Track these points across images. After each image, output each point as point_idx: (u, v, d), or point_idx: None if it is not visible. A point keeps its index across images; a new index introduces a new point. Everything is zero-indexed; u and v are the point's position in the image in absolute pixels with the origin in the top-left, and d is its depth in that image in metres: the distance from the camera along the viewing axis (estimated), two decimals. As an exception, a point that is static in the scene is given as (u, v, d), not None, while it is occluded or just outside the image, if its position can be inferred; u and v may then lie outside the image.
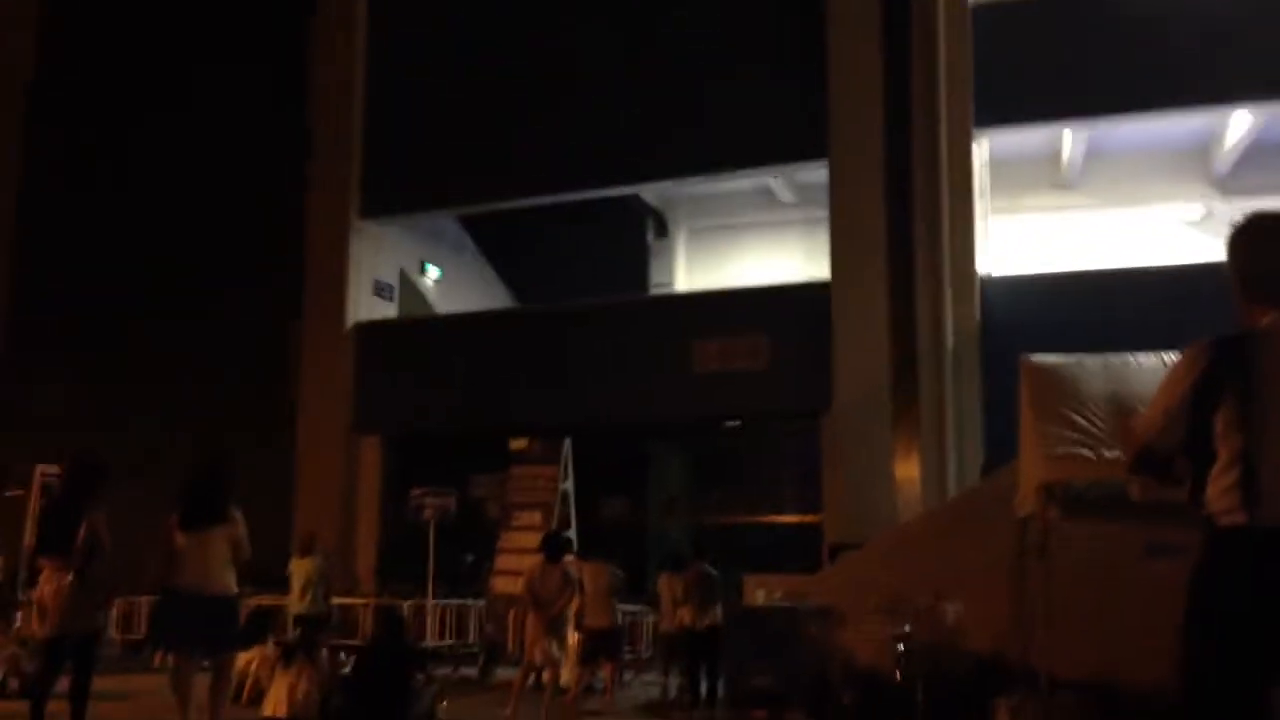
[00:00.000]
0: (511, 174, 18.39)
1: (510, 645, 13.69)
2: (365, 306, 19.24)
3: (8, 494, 16.48)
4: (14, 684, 10.83)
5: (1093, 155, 17.14)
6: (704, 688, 11.23)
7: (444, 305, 20.57)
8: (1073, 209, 17.77)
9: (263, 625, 11.51)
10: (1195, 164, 17.30)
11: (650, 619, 13.67)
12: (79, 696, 7.69)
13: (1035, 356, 8.33)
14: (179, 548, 7.82)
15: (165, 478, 11.02)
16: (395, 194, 19.31)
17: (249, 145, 19.48)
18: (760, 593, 11.98)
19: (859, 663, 10.00)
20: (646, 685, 12.33)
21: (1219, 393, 3.03)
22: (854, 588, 10.41)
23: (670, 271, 20.78)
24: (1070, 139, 16.65)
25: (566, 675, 11.13)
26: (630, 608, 13.39)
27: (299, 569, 14.10)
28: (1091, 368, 8.00)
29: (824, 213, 16.40)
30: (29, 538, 14.14)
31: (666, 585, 11.89)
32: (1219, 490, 2.99)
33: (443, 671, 12.25)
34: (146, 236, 19.99)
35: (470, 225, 21.09)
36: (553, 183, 18.25)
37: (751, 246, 20.32)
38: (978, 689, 8.58)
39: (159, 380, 19.15)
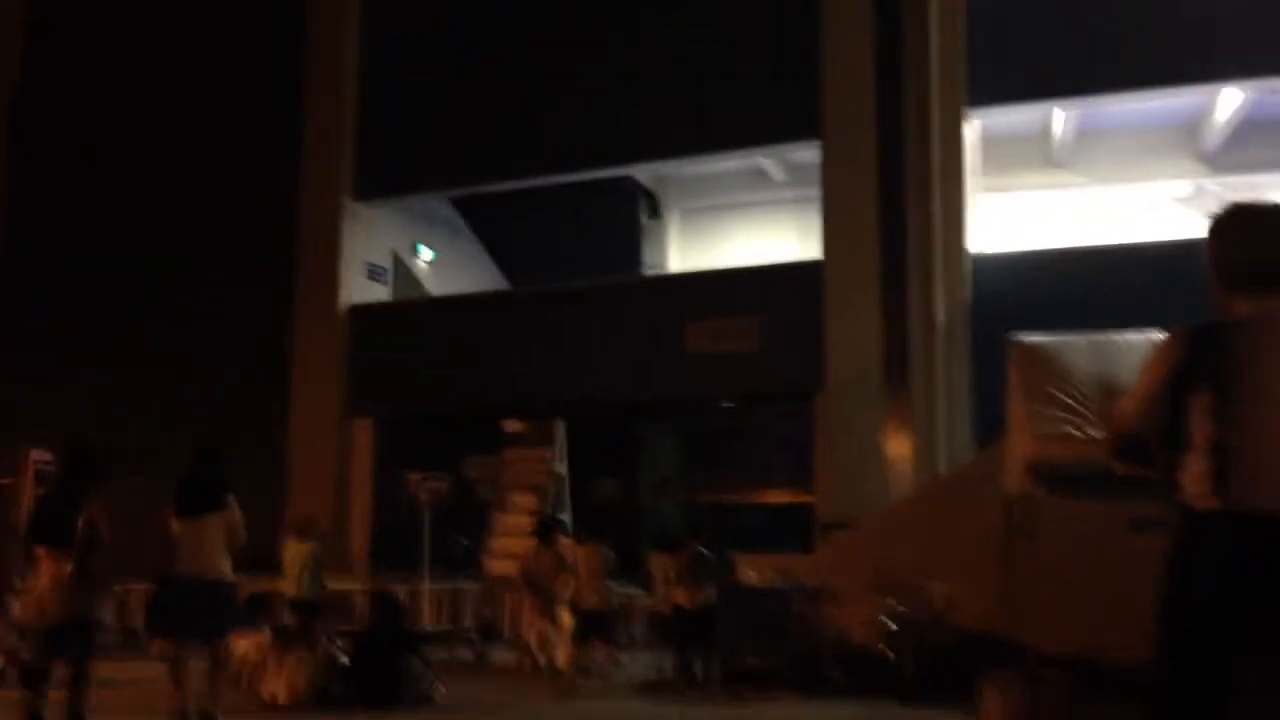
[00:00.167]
0: (504, 155, 18.39)
1: (505, 628, 13.75)
2: (358, 289, 19.26)
3: (1, 482, 16.48)
4: (12, 673, 10.88)
5: (1083, 133, 17.18)
6: (697, 667, 11.30)
7: (437, 287, 20.58)
8: (1063, 187, 17.82)
9: (259, 611, 11.56)
10: (1185, 141, 17.34)
11: (644, 600, 13.73)
12: (77, 685, 7.75)
13: (1024, 336, 8.40)
14: (174, 535, 7.89)
15: (157, 463, 11.09)
16: (388, 176, 19.29)
17: (240, 129, 19.45)
18: (752, 572, 12.06)
19: (850, 640, 10.11)
20: (641, 665, 12.39)
21: (1195, 381, 3.07)
22: (845, 567, 10.52)
23: (663, 252, 20.79)
24: (1061, 117, 16.67)
25: (561, 657, 11.22)
26: (624, 589, 13.45)
27: (296, 552, 14.12)
28: (1079, 347, 8.08)
29: (816, 192, 16.42)
30: (23, 525, 14.13)
31: (659, 566, 11.95)
32: (1193, 476, 3.04)
33: (438, 654, 12.30)
34: (137, 223, 19.93)
35: (463, 207, 21.08)
36: (545, 164, 18.25)
37: (744, 227, 20.34)
38: (966, 666, 8.67)
39: (150, 366, 19.12)
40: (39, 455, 16.70)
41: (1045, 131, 17.20)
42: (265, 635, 10.51)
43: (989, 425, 12.08)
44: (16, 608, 9.41)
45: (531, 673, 10.99)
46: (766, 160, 19.08)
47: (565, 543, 12.62)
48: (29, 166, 21.20)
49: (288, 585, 13.49)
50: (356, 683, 9.85)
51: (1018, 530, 8.03)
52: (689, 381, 16.70)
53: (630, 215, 20.63)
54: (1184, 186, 17.60)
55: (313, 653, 9.99)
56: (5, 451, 16.58)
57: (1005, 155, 16.76)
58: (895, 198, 15.32)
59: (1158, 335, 3.42)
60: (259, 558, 12.21)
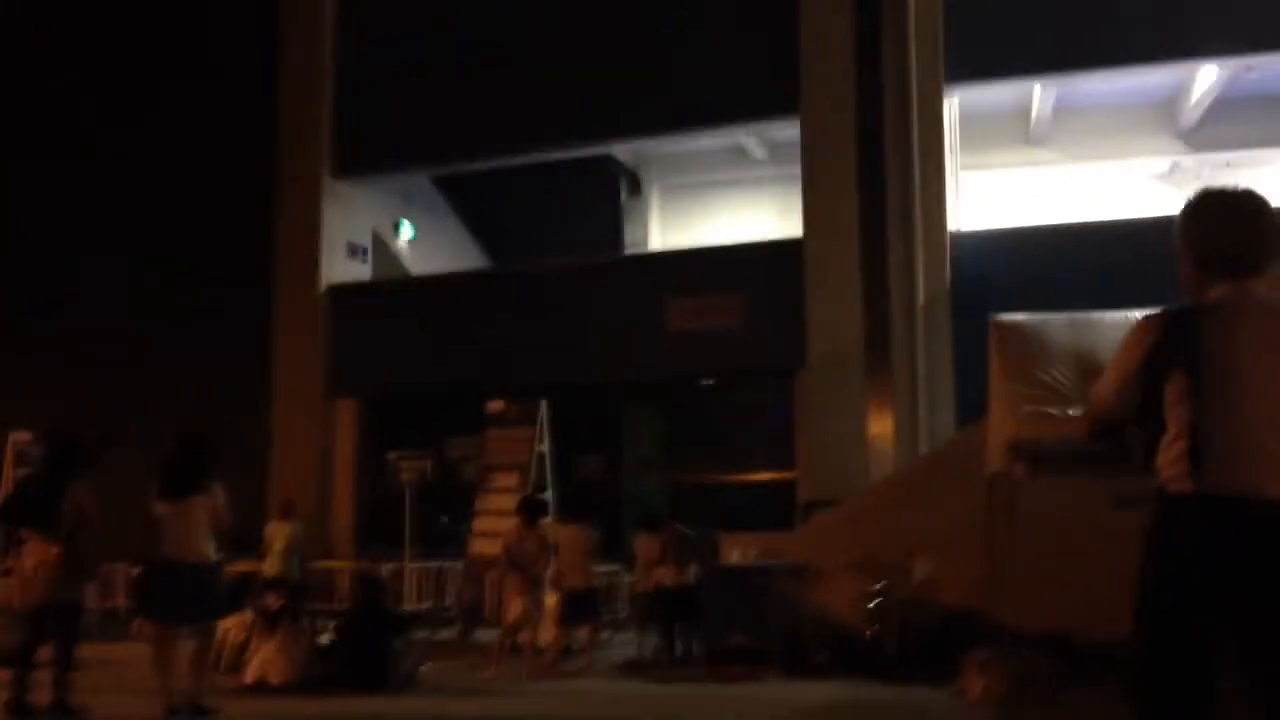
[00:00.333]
0: (484, 133, 18.30)
1: (487, 608, 13.79)
2: (339, 268, 19.18)
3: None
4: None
5: (1061, 110, 17.20)
6: (680, 646, 11.37)
7: (418, 266, 20.52)
8: (1042, 164, 17.86)
9: (242, 591, 11.58)
10: (1162, 118, 17.39)
11: (627, 579, 13.79)
12: (62, 667, 7.77)
13: (1004, 316, 8.46)
14: (159, 517, 7.89)
15: (140, 445, 11.05)
16: (367, 154, 19.16)
17: (216, 108, 19.28)
18: (735, 551, 12.12)
19: (832, 619, 10.18)
20: (624, 645, 12.46)
21: (1169, 365, 3.12)
22: (827, 545, 10.58)
23: (644, 230, 20.75)
24: (1039, 94, 16.70)
25: (545, 637, 11.27)
26: (607, 568, 13.49)
27: (279, 533, 14.16)
28: (1058, 326, 8.14)
29: (797, 170, 16.43)
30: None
31: (643, 545, 11.99)
32: (1168, 459, 3.10)
33: (422, 634, 12.34)
34: (114, 205, 19.73)
35: (443, 185, 20.97)
36: (525, 141, 18.17)
37: (725, 205, 20.31)
38: (948, 643, 8.76)
39: (130, 348, 18.99)
40: (19, 436, 16.68)
41: (1023, 109, 17.22)
42: (247, 615, 10.54)
43: (970, 404, 12.16)
44: (1, 588, 9.40)
45: (513, 652, 11.03)
46: (747, 138, 19.05)
47: (548, 523, 12.67)
48: (3, 151, 20.99)
49: (270, 565, 13.54)
50: (341, 664, 9.88)
51: (999, 509, 8.11)
52: (670, 359, 16.72)
53: (611, 193, 20.58)
54: (1161, 163, 17.68)
55: (298, 633, 10.02)
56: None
57: (983, 133, 16.77)
58: (875, 175, 15.33)
59: (1137, 314, 3.46)
60: (241, 539, 12.24)
